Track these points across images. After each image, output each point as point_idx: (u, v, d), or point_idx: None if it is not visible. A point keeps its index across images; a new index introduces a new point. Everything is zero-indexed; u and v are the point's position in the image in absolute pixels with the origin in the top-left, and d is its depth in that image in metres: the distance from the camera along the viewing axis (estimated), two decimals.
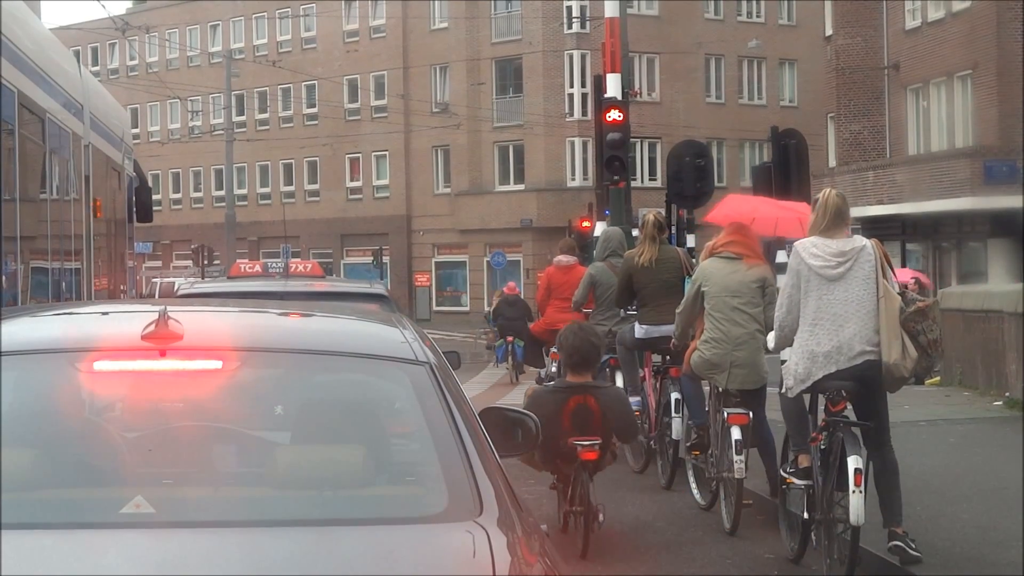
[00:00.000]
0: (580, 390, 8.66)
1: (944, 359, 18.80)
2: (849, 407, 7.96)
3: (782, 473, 8.53)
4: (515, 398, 21.00)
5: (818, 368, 7.82)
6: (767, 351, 9.55)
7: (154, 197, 26.93)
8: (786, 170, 16.80)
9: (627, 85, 22.66)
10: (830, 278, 7.88)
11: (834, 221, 8.02)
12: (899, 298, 7.96)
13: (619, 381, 12.90)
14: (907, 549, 7.78)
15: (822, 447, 7.98)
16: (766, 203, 11.22)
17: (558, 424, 8.34)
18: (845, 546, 7.70)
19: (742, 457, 9.31)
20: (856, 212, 35.32)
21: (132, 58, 67.17)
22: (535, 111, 54.72)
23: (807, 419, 8.24)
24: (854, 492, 7.48)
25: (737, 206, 10.53)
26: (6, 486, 3.68)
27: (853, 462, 7.52)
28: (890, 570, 7.87)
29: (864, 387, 7.86)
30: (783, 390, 8.18)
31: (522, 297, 31.13)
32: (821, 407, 8.11)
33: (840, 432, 7.78)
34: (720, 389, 9.89)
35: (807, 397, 8.18)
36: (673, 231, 17.30)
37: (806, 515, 8.16)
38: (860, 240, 8.05)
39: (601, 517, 8.38)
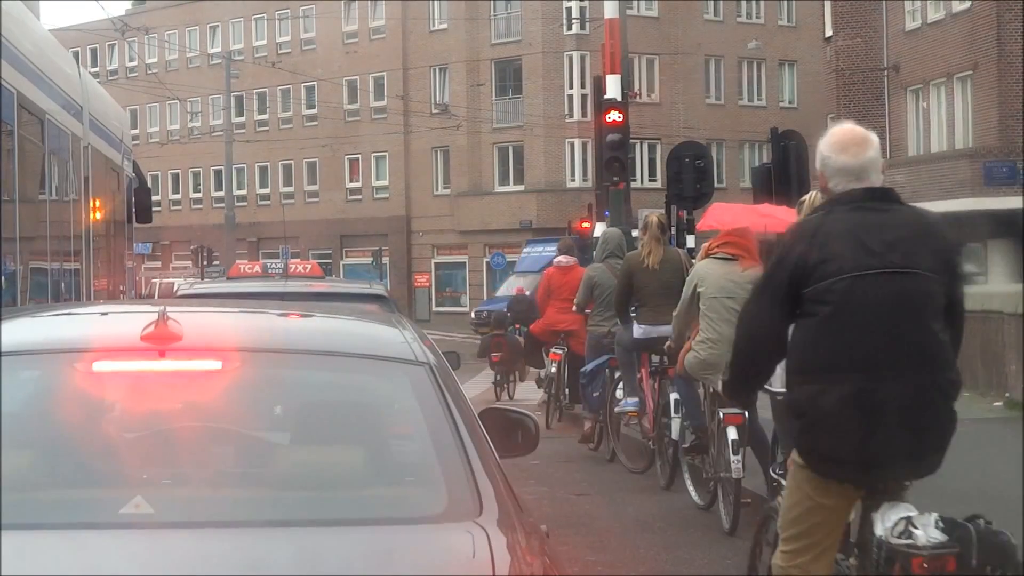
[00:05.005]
0: (498, 336, 20.68)
1: None
2: None
3: (772, 475, 8.56)
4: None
5: None
6: None
7: (153, 198, 26.92)
8: (786, 171, 16.81)
9: (627, 86, 22.65)
10: None
11: None
12: None
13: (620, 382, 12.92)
14: None
15: None
16: (748, 211, 11.22)
17: (488, 349, 21.50)
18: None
19: (739, 457, 9.32)
20: None
21: (131, 59, 67.17)
22: (535, 112, 54.72)
23: None
24: None
25: (720, 215, 10.54)
26: (6, 486, 3.68)
27: None
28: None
29: None
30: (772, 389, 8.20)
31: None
32: None
33: None
34: (713, 390, 9.89)
35: None
36: (673, 232, 17.29)
37: None
38: None
39: None
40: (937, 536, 4.92)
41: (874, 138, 5.33)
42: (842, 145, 5.27)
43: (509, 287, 46.76)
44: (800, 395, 5.15)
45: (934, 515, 5.01)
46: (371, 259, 58.62)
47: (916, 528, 4.95)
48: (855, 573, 5.29)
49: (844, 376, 5.02)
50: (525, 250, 48.87)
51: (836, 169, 5.25)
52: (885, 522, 5.04)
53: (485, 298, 51.37)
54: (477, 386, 23.16)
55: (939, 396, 5.09)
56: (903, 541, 4.94)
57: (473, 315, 45.50)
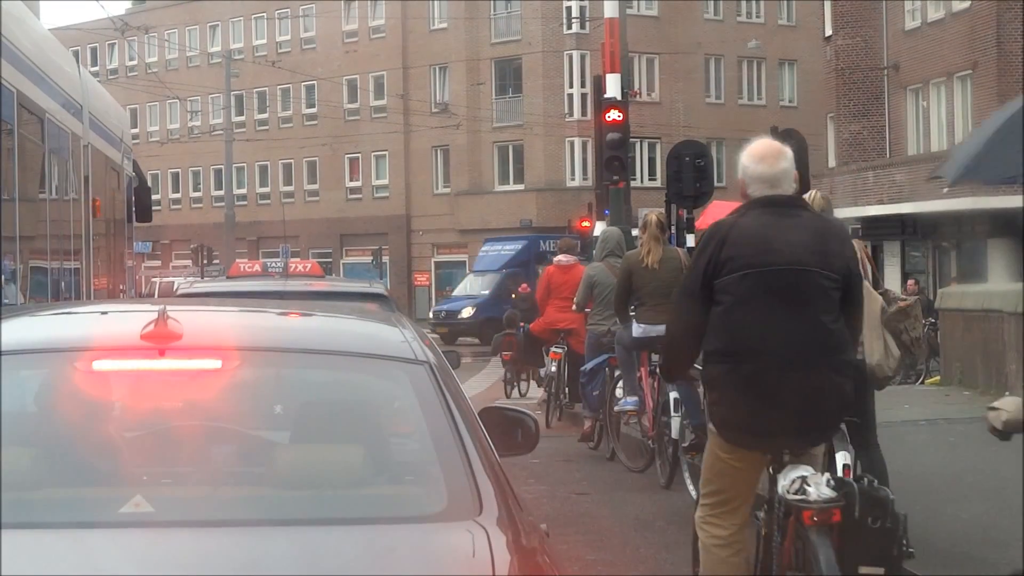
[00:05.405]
0: (509, 334, 21.18)
1: (937, 357, 18.88)
2: None
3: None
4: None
5: None
6: None
7: (153, 197, 26.94)
8: None
9: (627, 85, 22.64)
10: None
11: None
12: (881, 298, 8.02)
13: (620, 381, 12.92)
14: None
15: None
16: None
17: (500, 347, 21.74)
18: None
19: None
20: (856, 212, 35.41)
21: (131, 58, 67.17)
22: (535, 111, 54.72)
23: None
24: None
25: (720, 213, 10.55)
26: (6, 486, 3.67)
27: (841, 458, 7.60)
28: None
29: None
30: None
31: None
32: None
33: None
34: None
35: None
36: (673, 231, 17.28)
37: None
38: None
39: None
40: (827, 492, 5.62)
41: (788, 151, 6.04)
42: (760, 156, 5.99)
43: (466, 287, 46.65)
44: (711, 373, 5.95)
45: (826, 475, 5.74)
46: (371, 258, 58.61)
47: (809, 486, 5.66)
48: (764, 526, 6.06)
49: (745, 358, 5.76)
50: (483, 249, 48.77)
51: (753, 177, 5.97)
52: (784, 481, 5.75)
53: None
54: (477, 385, 23.18)
55: (834, 375, 5.82)
56: (798, 497, 5.65)
57: (431, 315, 45.51)
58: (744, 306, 5.77)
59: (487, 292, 44.51)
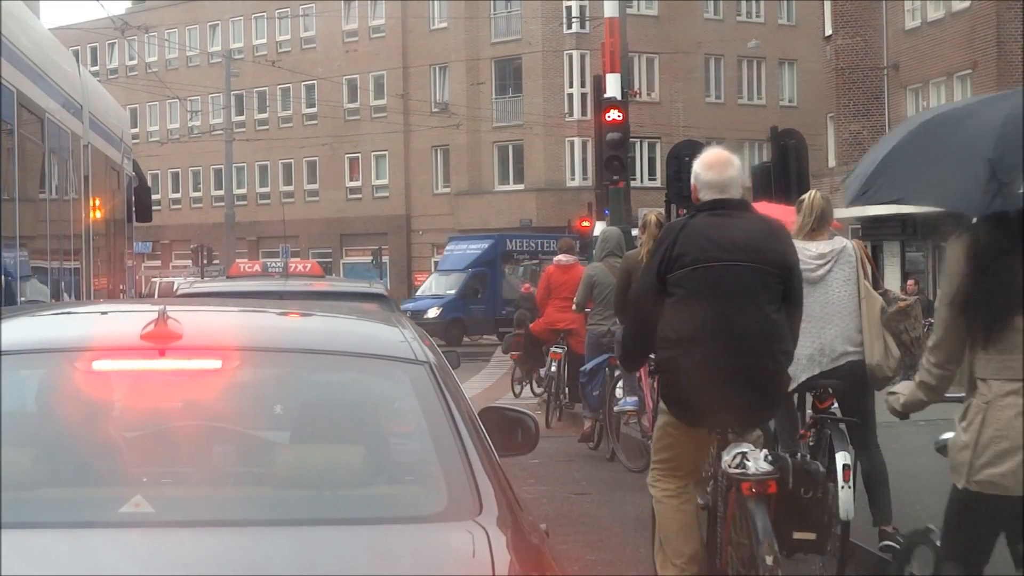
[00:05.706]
0: (519, 334, 19.95)
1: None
2: (836, 404, 8.03)
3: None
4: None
5: (801, 370, 7.88)
6: None
7: (153, 197, 26.93)
8: (785, 170, 16.79)
9: (627, 85, 22.66)
10: (811, 281, 7.93)
11: (818, 223, 8.16)
12: (880, 298, 8.05)
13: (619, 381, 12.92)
14: (898, 546, 7.83)
15: (810, 444, 8.06)
16: None
17: (510, 345, 21.28)
18: (836, 541, 7.73)
19: None
20: (856, 212, 35.34)
21: (131, 58, 67.17)
22: (534, 111, 54.72)
23: (796, 418, 8.33)
24: (843, 488, 7.57)
25: None
26: (6, 486, 3.67)
27: (841, 458, 7.62)
28: (885, 568, 7.88)
29: (849, 386, 7.92)
30: None
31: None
32: (809, 404, 8.18)
33: (828, 429, 7.85)
34: None
35: (795, 395, 8.23)
36: None
37: None
38: (840, 241, 8.15)
39: None
40: (764, 467, 6.15)
41: (736, 160, 6.66)
42: (710, 164, 6.64)
43: (431, 286, 46.32)
44: (663, 358, 6.47)
45: (764, 451, 6.26)
46: (371, 258, 58.60)
47: (748, 461, 6.18)
48: (709, 498, 6.70)
49: (693, 344, 6.29)
50: (448, 248, 48.14)
51: (704, 183, 6.63)
52: (727, 457, 6.27)
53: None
54: (477, 386, 23.17)
55: (771, 363, 6.36)
56: (738, 470, 6.17)
57: None
58: (693, 298, 6.30)
59: (452, 292, 44.15)
